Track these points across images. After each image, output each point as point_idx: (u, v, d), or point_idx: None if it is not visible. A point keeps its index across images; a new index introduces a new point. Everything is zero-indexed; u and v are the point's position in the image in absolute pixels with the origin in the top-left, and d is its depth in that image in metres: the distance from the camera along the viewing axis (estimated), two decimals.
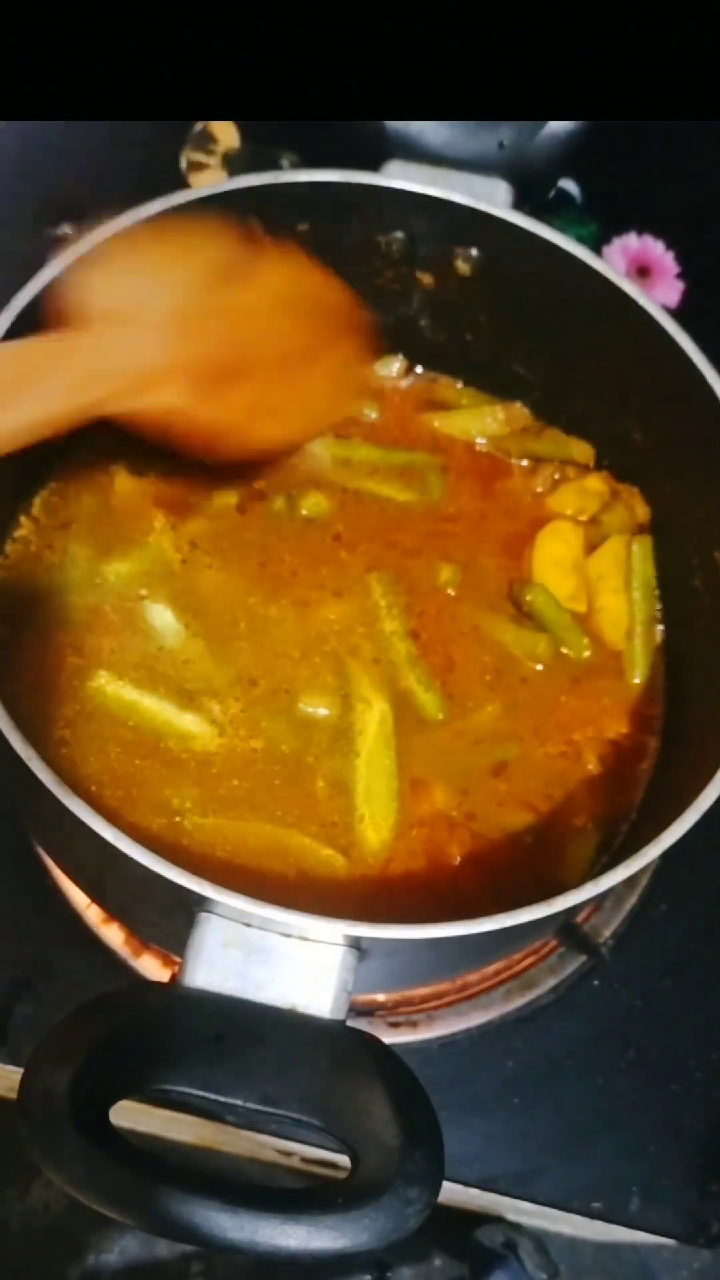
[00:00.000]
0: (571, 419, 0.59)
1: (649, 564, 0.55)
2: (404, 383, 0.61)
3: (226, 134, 0.76)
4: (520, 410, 0.59)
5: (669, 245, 0.75)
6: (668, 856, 0.40)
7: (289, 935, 0.36)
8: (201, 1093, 0.34)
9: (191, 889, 0.35)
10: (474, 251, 0.54)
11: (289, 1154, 0.66)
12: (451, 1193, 0.57)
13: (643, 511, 0.57)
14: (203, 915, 0.36)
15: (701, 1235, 0.56)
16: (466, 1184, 0.56)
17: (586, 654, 0.54)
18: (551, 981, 0.60)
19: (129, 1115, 0.62)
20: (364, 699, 0.51)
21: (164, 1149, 0.82)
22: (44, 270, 0.46)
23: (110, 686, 0.49)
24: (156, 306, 0.44)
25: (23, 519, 0.53)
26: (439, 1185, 0.33)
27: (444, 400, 0.60)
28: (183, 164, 0.75)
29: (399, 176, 0.51)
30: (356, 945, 0.37)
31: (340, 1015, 0.36)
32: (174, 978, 0.36)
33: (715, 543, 0.51)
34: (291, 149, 0.73)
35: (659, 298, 0.70)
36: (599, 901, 0.61)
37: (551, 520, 0.57)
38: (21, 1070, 0.33)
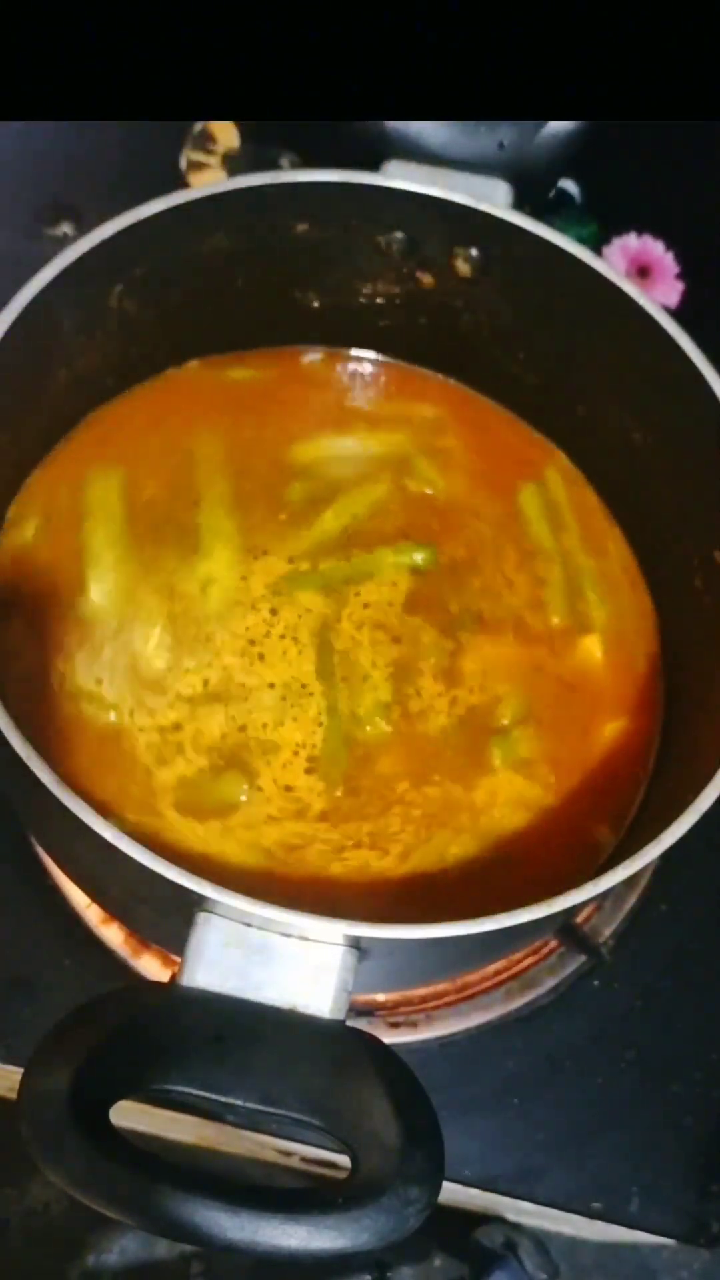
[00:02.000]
0: (571, 420, 0.59)
1: None
2: None
3: (226, 134, 0.76)
4: None
5: (669, 245, 0.75)
6: (668, 856, 0.40)
7: (289, 935, 0.36)
8: (201, 1093, 0.34)
9: (191, 889, 0.35)
10: (474, 251, 0.53)
11: (289, 1154, 0.66)
12: (451, 1193, 0.57)
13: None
14: (202, 915, 0.36)
15: (701, 1235, 0.56)
16: (466, 1184, 0.56)
17: None
18: (551, 981, 0.60)
19: (129, 1115, 0.62)
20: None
21: (164, 1149, 0.82)
22: (44, 270, 0.46)
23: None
24: None
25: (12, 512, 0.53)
26: (439, 1185, 0.33)
27: None
28: (183, 164, 0.75)
29: (399, 176, 0.51)
30: (356, 945, 0.37)
31: (340, 1015, 0.36)
32: (174, 978, 0.36)
33: (715, 543, 0.51)
34: (291, 149, 0.73)
35: (659, 298, 0.70)
36: (599, 901, 0.61)
37: None
38: (21, 1070, 0.33)
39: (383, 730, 0.51)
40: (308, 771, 0.50)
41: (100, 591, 0.51)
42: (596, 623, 0.55)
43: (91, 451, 0.55)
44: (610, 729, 0.53)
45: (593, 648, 0.54)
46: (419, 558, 0.55)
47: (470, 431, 0.59)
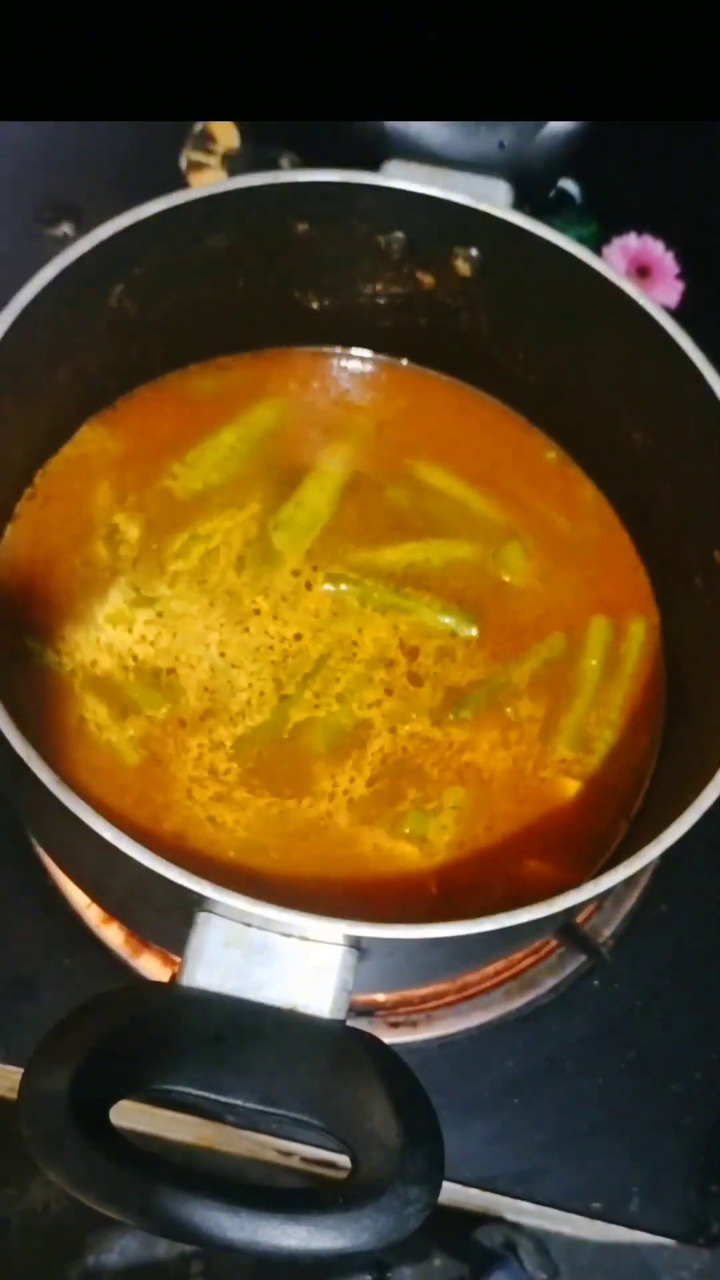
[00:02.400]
0: (571, 420, 0.59)
1: None
2: None
3: (226, 134, 0.76)
4: None
5: (669, 245, 0.75)
6: (668, 856, 0.40)
7: (289, 935, 0.36)
8: (201, 1093, 0.34)
9: (191, 889, 0.35)
10: (474, 251, 0.53)
11: (289, 1154, 0.66)
12: (451, 1193, 0.57)
13: None
14: (202, 915, 0.36)
15: (701, 1235, 0.56)
16: (466, 1184, 0.56)
17: None
18: (551, 981, 0.60)
19: (129, 1115, 0.62)
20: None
21: (164, 1149, 0.82)
22: (44, 270, 0.46)
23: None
24: None
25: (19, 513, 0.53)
26: (439, 1185, 0.33)
27: None
28: (183, 164, 0.76)
29: (399, 176, 0.51)
30: (356, 945, 0.37)
31: (340, 1015, 0.36)
32: (174, 978, 0.36)
33: (715, 543, 0.51)
34: (291, 149, 0.73)
35: (659, 298, 0.70)
36: (599, 901, 0.61)
37: None
38: (21, 1070, 0.33)
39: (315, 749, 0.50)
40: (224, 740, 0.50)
41: (193, 472, 0.55)
42: (586, 772, 0.52)
43: (273, 382, 0.59)
44: (531, 867, 0.50)
45: (567, 790, 0.52)
46: (458, 630, 0.53)
47: (591, 553, 0.57)
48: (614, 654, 0.55)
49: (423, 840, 0.49)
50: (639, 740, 0.54)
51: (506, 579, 0.56)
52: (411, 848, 0.49)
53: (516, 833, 0.50)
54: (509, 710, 0.53)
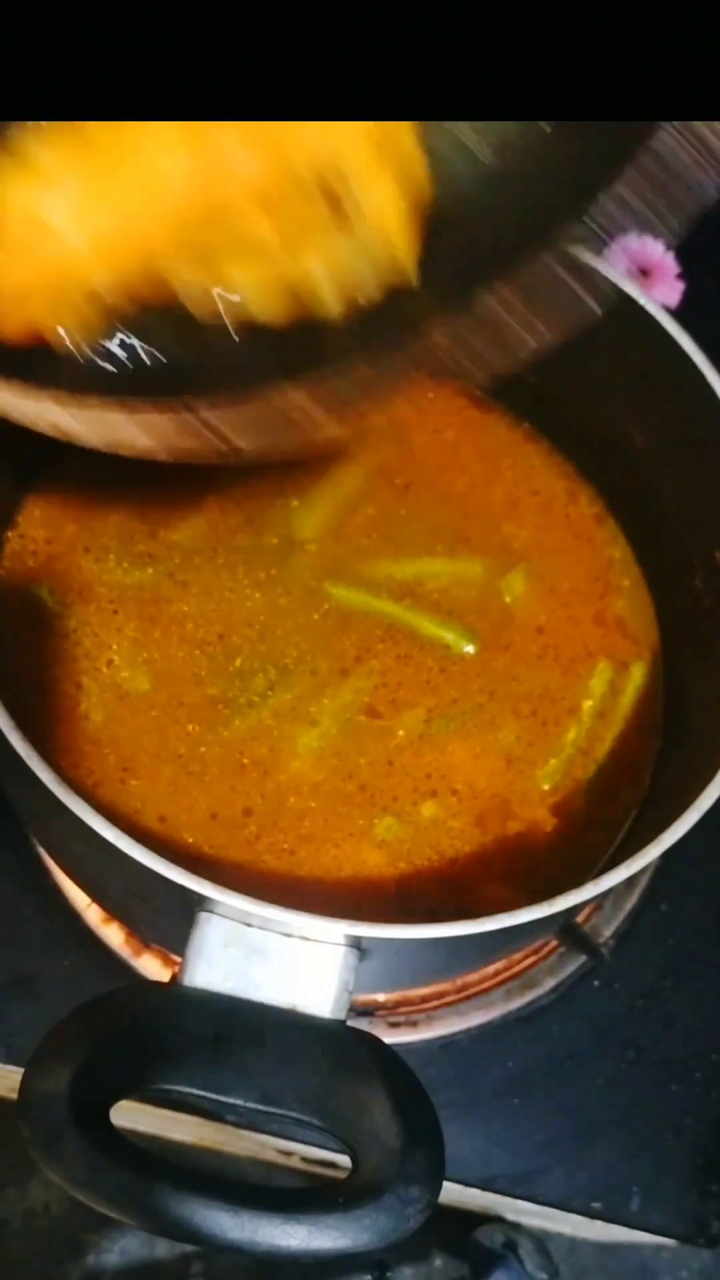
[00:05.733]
0: (571, 420, 0.59)
1: None
2: None
3: None
4: None
5: (669, 245, 0.75)
6: (668, 856, 0.40)
7: (289, 935, 0.36)
8: (201, 1093, 0.34)
9: (191, 889, 0.35)
10: None
11: (289, 1154, 0.66)
12: (451, 1193, 0.57)
13: None
14: (203, 915, 0.36)
15: (701, 1235, 0.56)
16: (466, 1184, 0.56)
17: None
18: (551, 982, 0.60)
19: (129, 1115, 0.62)
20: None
21: (164, 1149, 0.82)
22: None
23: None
24: None
25: (20, 517, 0.53)
26: (439, 1185, 0.33)
27: None
28: None
29: None
30: (357, 945, 0.37)
31: (340, 1015, 0.36)
32: (174, 978, 0.36)
33: (715, 543, 0.51)
34: None
35: (659, 298, 0.70)
36: (599, 901, 0.61)
37: None
38: (21, 1070, 0.33)
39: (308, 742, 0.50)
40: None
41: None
42: (565, 809, 0.51)
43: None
44: (494, 890, 0.49)
45: (544, 822, 0.51)
46: (455, 646, 0.53)
47: (605, 594, 0.56)
48: (612, 695, 0.54)
49: (389, 848, 0.49)
50: (620, 797, 0.53)
51: (507, 600, 0.55)
52: (378, 854, 0.49)
53: (485, 854, 0.50)
54: (495, 735, 0.52)
